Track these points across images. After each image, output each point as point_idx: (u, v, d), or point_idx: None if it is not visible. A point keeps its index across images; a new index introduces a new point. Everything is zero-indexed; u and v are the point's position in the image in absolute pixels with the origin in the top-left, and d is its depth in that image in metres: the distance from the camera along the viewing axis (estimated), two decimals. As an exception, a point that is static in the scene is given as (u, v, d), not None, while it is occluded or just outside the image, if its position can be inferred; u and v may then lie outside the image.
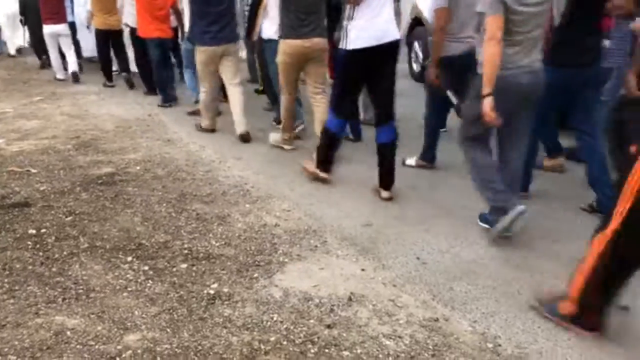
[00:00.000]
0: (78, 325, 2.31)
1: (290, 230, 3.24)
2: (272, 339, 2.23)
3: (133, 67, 7.56)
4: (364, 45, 3.38)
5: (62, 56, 8.29)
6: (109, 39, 7.47)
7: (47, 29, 7.97)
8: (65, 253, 2.94)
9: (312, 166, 3.97)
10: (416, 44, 7.80)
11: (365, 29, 3.38)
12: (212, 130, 5.37)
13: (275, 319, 2.37)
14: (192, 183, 3.99)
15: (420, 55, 7.67)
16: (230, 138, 5.16)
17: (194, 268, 2.79)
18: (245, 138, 5.03)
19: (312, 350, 2.17)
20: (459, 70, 3.53)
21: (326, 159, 3.88)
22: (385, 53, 3.45)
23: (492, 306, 2.50)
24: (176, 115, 6.12)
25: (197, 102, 5.70)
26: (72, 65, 8.21)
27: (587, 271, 2.24)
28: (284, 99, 4.63)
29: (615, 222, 2.16)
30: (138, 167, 4.32)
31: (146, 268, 2.79)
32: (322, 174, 3.90)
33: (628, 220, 2.13)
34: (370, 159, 4.32)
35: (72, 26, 8.58)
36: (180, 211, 3.48)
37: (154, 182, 3.99)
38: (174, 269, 2.78)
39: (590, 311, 2.29)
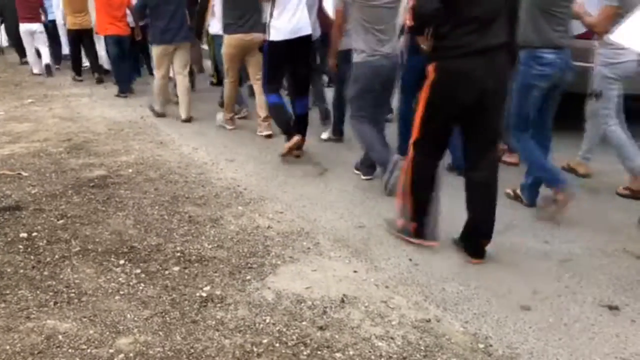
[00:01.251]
0: (70, 329, 2.30)
1: (283, 232, 3.24)
2: (265, 341, 2.24)
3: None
4: (283, 38, 4.29)
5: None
6: (79, 37, 8.22)
7: (23, 27, 8.90)
8: (56, 256, 2.93)
9: (285, 147, 4.57)
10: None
11: (284, 25, 4.28)
12: (162, 115, 6.14)
13: (267, 321, 2.37)
14: (184, 185, 3.99)
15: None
16: (223, 141, 5.16)
17: (187, 271, 2.79)
18: (188, 121, 5.96)
19: (305, 352, 2.17)
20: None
21: (287, 129, 4.56)
22: (300, 45, 4.37)
23: (484, 307, 2.51)
24: (168, 118, 6.11)
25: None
26: (46, 58, 9.03)
27: (402, 190, 3.01)
28: (226, 84, 5.49)
29: (415, 135, 2.86)
30: (130, 170, 4.31)
31: (138, 271, 2.79)
32: (291, 142, 4.49)
33: (421, 132, 2.83)
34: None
35: (54, 26, 9.49)
36: (172, 214, 3.48)
37: (146, 185, 3.98)
38: (166, 272, 2.78)
39: (417, 229, 3.02)
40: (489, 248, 2.92)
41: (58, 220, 3.38)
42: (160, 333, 2.28)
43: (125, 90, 7.35)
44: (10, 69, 9.74)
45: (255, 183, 4.06)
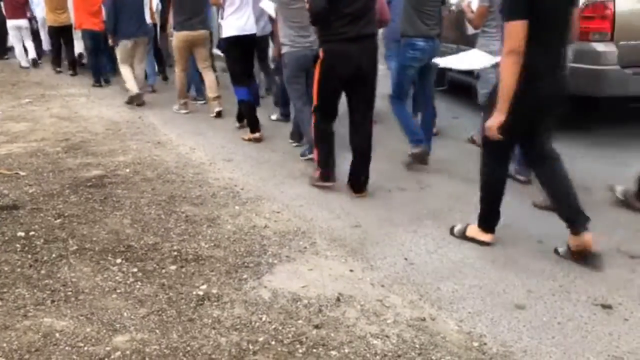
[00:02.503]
0: (67, 327, 2.32)
1: (280, 231, 3.26)
2: (261, 339, 2.25)
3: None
4: (233, 34, 5.05)
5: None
6: (60, 33, 8.99)
7: (11, 23, 9.66)
8: (54, 255, 2.94)
9: (248, 134, 5.24)
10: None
11: (233, 24, 5.05)
12: (141, 103, 6.77)
13: (263, 319, 2.39)
14: (181, 185, 4.00)
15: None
16: (221, 141, 5.18)
17: (183, 269, 2.80)
18: (139, 103, 6.72)
19: (300, 350, 2.19)
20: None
21: (252, 122, 5.21)
22: (248, 41, 5.17)
23: (478, 305, 2.53)
24: (166, 118, 6.13)
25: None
26: (32, 53, 9.92)
27: (315, 140, 3.87)
28: (177, 72, 6.28)
29: (314, 103, 3.77)
30: (128, 170, 4.32)
31: (135, 270, 2.80)
32: (255, 135, 5.18)
33: (317, 101, 3.72)
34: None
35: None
36: (169, 213, 3.49)
37: (144, 185, 4.00)
38: (163, 271, 2.79)
39: (322, 168, 3.86)
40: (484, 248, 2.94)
41: (55, 219, 3.39)
42: (157, 331, 2.30)
43: (99, 80, 8.16)
44: (7, 69, 9.74)
45: (252, 183, 4.07)
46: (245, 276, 2.74)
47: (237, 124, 5.64)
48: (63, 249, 3.02)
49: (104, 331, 2.29)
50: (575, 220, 2.82)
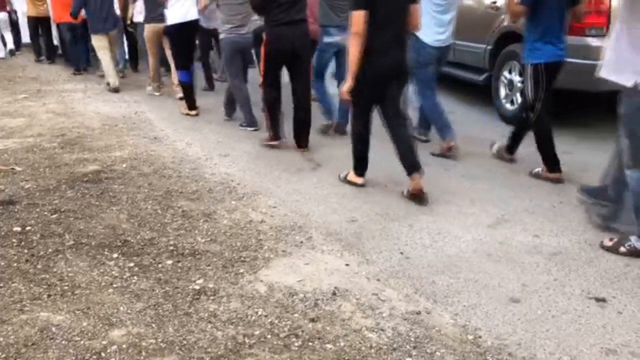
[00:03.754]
0: (63, 322, 2.32)
1: (276, 226, 3.26)
2: (257, 333, 2.26)
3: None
4: (177, 21, 5.61)
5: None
6: (38, 24, 9.60)
7: None
8: (50, 250, 2.94)
9: (185, 109, 5.98)
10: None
11: (176, 12, 5.60)
12: (116, 90, 7.30)
13: (260, 313, 2.40)
14: (178, 180, 4.00)
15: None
16: (217, 136, 5.17)
17: (180, 264, 2.81)
18: (115, 90, 7.29)
19: (296, 344, 2.20)
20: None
21: (190, 101, 5.91)
22: (189, 27, 5.71)
23: (473, 299, 2.54)
24: (163, 114, 6.12)
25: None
26: (10, 44, 10.50)
27: (265, 107, 4.71)
28: (150, 60, 7.03)
29: (262, 76, 4.62)
30: (124, 165, 4.32)
31: (132, 264, 2.80)
32: (192, 112, 5.93)
33: (264, 75, 4.55)
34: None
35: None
36: (166, 208, 3.50)
37: (140, 180, 4.00)
38: (160, 265, 2.80)
39: (272, 130, 4.71)
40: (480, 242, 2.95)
41: (52, 214, 3.39)
42: (153, 325, 2.31)
43: (79, 68, 8.67)
44: (3, 65, 9.71)
45: (249, 178, 4.07)
46: (241, 270, 2.75)
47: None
48: (59, 243, 3.02)
49: (101, 325, 2.30)
50: (411, 168, 3.62)
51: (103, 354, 2.13)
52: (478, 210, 3.50)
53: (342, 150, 4.51)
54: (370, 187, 3.88)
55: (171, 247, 2.98)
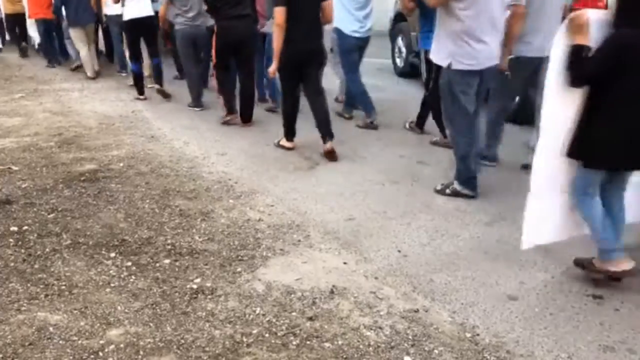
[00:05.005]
0: (61, 321, 2.32)
1: (274, 225, 3.26)
2: (255, 331, 2.26)
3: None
4: (131, 17, 6.17)
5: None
6: (15, 20, 10.17)
7: None
8: (47, 250, 2.93)
9: (137, 96, 6.64)
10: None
11: (131, 9, 6.13)
12: (94, 78, 7.91)
13: (257, 312, 2.40)
14: (175, 179, 3.99)
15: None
16: (214, 135, 5.17)
17: (177, 263, 2.81)
18: (93, 78, 7.92)
19: (294, 342, 2.20)
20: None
21: (139, 88, 6.62)
22: (144, 23, 6.25)
23: (471, 297, 2.54)
24: (160, 112, 6.10)
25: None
26: None
27: (218, 88, 5.48)
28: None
29: (214, 62, 5.38)
30: (121, 164, 4.31)
31: (129, 264, 2.80)
32: (140, 97, 6.61)
33: (217, 60, 5.31)
34: (356, 157, 4.38)
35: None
36: (163, 207, 3.49)
37: (137, 179, 3.99)
38: (157, 265, 2.79)
39: (228, 110, 5.47)
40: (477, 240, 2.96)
41: (49, 214, 3.38)
42: (151, 324, 2.30)
43: (53, 62, 9.24)
44: (-1, 64, 9.68)
45: (246, 177, 4.07)
46: (239, 269, 2.75)
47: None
48: (57, 243, 3.01)
49: (98, 325, 2.30)
50: (326, 134, 4.41)
51: (101, 354, 2.12)
52: (475, 208, 3.50)
53: (339, 149, 4.51)
54: (368, 186, 3.88)
55: (169, 246, 2.98)
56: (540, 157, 2.53)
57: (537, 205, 2.57)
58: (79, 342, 2.19)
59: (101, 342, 2.19)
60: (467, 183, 3.60)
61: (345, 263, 2.83)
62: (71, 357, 2.10)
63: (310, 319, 2.35)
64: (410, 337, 2.24)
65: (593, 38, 2.39)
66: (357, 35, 5.18)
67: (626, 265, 2.53)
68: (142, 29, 6.31)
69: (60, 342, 2.19)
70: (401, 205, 3.57)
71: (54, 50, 9.42)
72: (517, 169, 4.10)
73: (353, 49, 5.27)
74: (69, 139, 5.01)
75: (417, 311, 2.42)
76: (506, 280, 2.69)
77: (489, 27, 3.38)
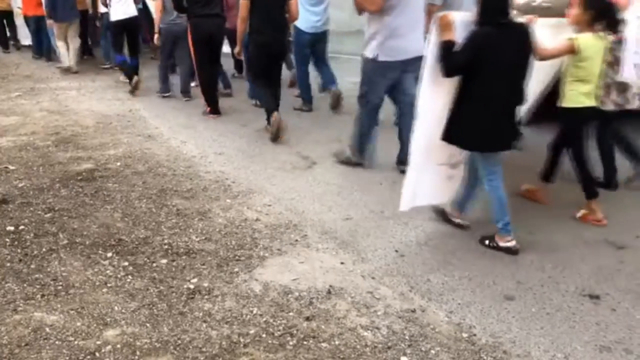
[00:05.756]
0: (57, 322, 2.31)
1: (271, 224, 3.26)
2: (252, 332, 2.26)
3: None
4: (117, 18, 6.76)
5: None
6: (3, 17, 10.64)
7: None
8: (44, 249, 2.93)
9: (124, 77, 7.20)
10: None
11: (117, 9, 6.71)
12: (69, 69, 8.36)
13: (254, 312, 2.39)
14: (172, 179, 3.99)
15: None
16: (212, 134, 5.16)
17: (174, 263, 2.80)
18: (71, 71, 8.41)
19: (291, 343, 2.20)
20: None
21: (130, 75, 6.98)
22: (129, 23, 6.84)
23: (468, 297, 2.55)
24: (157, 111, 6.09)
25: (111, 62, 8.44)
26: None
27: (200, 81, 5.83)
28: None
29: (194, 58, 5.78)
30: (118, 163, 4.30)
31: (126, 264, 2.79)
32: (134, 83, 6.91)
33: (196, 58, 5.70)
34: (352, 156, 4.34)
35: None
36: (160, 207, 3.48)
37: (135, 178, 3.98)
38: (154, 265, 2.79)
39: (210, 105, 5.77)
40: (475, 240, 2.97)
41: (45, 213, 3.38)
42: (148, 325, 2.30)
43: (40, 54, 9.87)
44: (-4, 62, 9.65)
45: (244, 176, 4.06)
46: (236, 269, 2.75)
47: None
48: (53, 243, 3.00)
49: (95, 325, 2.29)
50: (273, 110, 4.89)
51: (97, 354, 2.12)
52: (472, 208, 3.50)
53: (336, 148, 4.51)
54: (365, 185, 3.88)
55: (166, 246, 2.97)
56: (417, 138, 2.93)
57: (414, 176, 3.01)
58: (76, 342, 2.18)
59: (98, 342, 2.18)
60: (360, 151, 4.20)
61: (342, 263, 2.83)
62: (67, 358, 2.10)
63: (308, 319, 2.35)
64: (407, 337, 2.24)
65: (459, 35, 2.77)
66: (312, 31, 5.63)
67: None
68: (127, 29, 6.94)
69: (57, 342, 2.19)
70: (398, 204, 3.56)
71: (43, 46, 9.91)
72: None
73: (306, 44, 5.73)
74: (66, 138, 5.00)
75: (414, 311, 2.42)
76: (503, 280, 2.69)
77: (411, 25, 3.77)
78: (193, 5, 5.58)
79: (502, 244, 2.93)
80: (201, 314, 2.37)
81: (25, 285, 2.59)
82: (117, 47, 7.08)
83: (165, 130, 5.29)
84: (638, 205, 3.53)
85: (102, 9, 8.09)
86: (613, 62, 3.40)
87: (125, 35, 7.01)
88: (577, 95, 3.13)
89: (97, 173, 4.07)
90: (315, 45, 5.77)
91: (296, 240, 3.07)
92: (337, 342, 2.20)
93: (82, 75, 8.15)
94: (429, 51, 2.81)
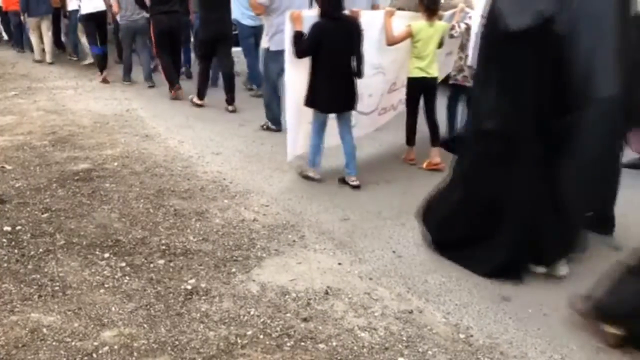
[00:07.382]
0: (54, 322, 2.31)
1: (269, 225, 3.26)
2: (249, 333, 2.26)
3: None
4: (87, 12, 7.38)
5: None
6: None
7: None
8: (41, 250, 2.92)
9: (100, 76, 7.68)
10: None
11: (87, 4, 7.34)
12: (41, 61, 9.04)
13: (252, 313, 2.40)
14: (170, 179, 3.98)
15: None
16: (209, 134, 5.15)
17: (172, 264, 2.80)
18: (45, 62, 9.11)
19: (289, 344, 2.20)
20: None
21: (103, 65, 7.67)
22: (98, 16, 7.47)
23: (465, 298, 2.55)
24: (155, 111, 6.08)
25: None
26: None
27: (162, 67, 6.74)
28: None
29: (155, 49, 6.84)
30: (115, 163, 4.29)
31: (123, 264, 2.79)
32: (103, 75, 7.62)
33: (157, 47, 6.68)
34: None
35: None
36: (157, 207, 3.48)
37: (132, 178, 3.97)
38: (151, 265, 2.79)
39: (170, 83, 6.58)
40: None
41: (42, 213, 3.37)
42: (145, 325, 2.30)
43: (22, 48, 10.41)
44: (-7, 61, 9.62)
45: (241, 176, 4.06)
46: (233, 270, 2.75)
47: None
48: (50, 243, 3.00)
49: (92, 326, 2.29)
50: (229, 97, 5.92)
51: (94, 355, 2.12)
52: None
53: (336, 148, 4.51)
54: (362, 186, 3.88)
55: (163, 247, 2.97)
56: (289, 104, 3.96)
57: (291, 134, 4.02)
58: (73, 343, 2.18)
59: (95, 343, 2.18)
60: (273, 122, 5.14)
61: (339, 264, 2.84)
62: (65, 359, 2.10)
63: (305, 320, 2.35)
64: (404, 338, 2.25)
65: (307, 27, 3.68)
66: (252, 24, 6.34)
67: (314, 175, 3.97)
68: (96, 21, 7.65)
69: (54, 343, 2.18)
70: (396, 205, 3.57)
71: (23, 40, 10.54)
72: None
73: (249, 35, 6.51)
74: (63, 137, 4.99)
75: (411, 312, 2.42)
76: (500, 280, 2.69)
77: None
78: (155, 3, 6.45)
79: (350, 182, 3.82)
80: (199, 315, 2.37)
81: (22, 285, 2.59)
82: (90, 39, 7.82)
83: (163, 130, 5.28)
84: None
85: (70, 6, 8.69)
86: (460, 48, 4.38)
87: (95, 27, 7.79)
88: (414, 69, 4.10)
89: (95, 173, 4.06)
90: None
91: (294, 241, 3.07)
92: (334, 343, 2.20)
93: (79, 75, 8.13)
94: (287, 39, 3.78)
